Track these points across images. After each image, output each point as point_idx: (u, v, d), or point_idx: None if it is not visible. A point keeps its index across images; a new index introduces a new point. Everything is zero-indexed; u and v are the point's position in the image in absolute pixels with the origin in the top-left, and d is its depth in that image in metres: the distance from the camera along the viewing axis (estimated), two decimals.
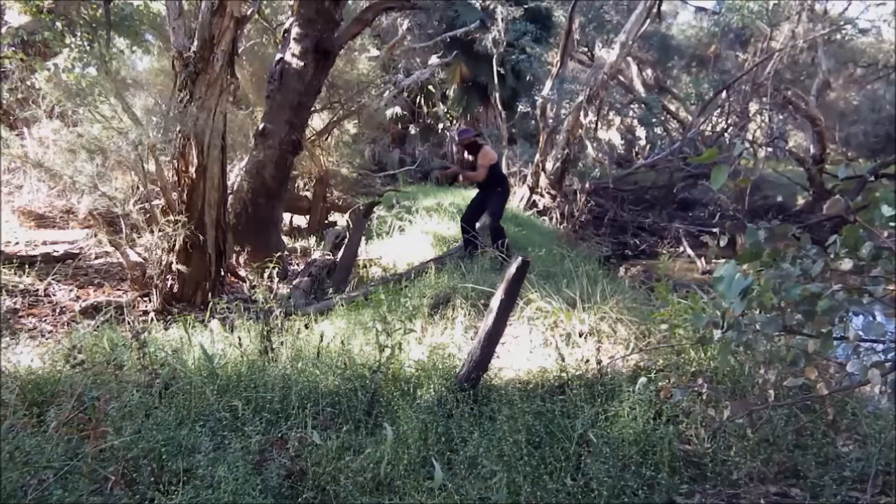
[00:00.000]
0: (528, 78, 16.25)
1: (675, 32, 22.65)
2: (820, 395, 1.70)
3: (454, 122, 15.80)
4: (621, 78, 17.57)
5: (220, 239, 5.18)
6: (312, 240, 8.27)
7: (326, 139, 9.67)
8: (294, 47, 6.84)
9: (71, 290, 5.23)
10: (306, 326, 3.82)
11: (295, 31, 6.87)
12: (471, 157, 6.23)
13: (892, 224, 1.34)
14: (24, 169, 5.73)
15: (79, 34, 7.70)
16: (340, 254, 6.30)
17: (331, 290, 5.36)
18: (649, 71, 20.90)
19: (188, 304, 4.98)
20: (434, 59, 13.60)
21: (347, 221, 8.30)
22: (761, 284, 1.46)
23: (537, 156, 11.50)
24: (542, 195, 11.42)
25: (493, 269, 5.22)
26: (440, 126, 15.48)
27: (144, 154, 4.79)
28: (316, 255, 6.92)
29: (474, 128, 13.98)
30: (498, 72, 13.40)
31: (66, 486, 2.02)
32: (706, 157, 1.55)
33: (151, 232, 4.93)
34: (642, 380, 2.30)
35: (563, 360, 3.07)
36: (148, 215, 5.18)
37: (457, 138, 6.41)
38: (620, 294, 4.03)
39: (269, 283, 5.47)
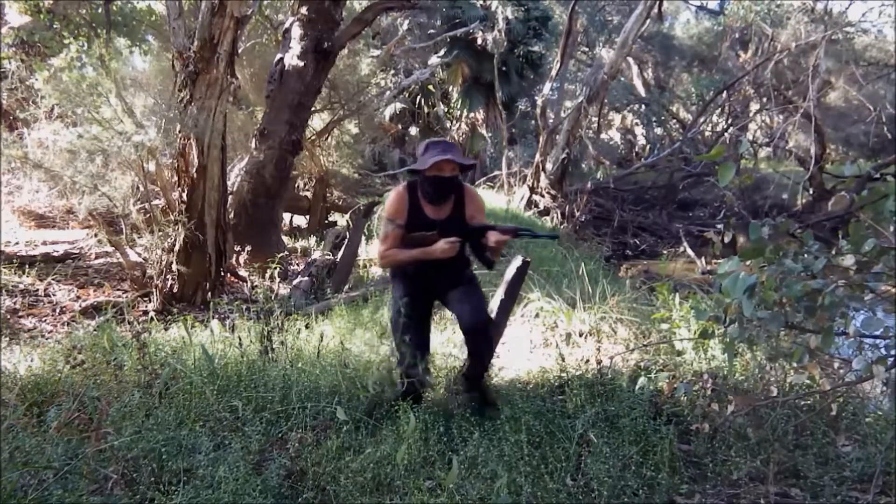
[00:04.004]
0: (531, 77, 16.23)
1: (679, 32, 22.63)
2: (822, 390, 1.70)
3: (454, 122, 15.71)
4: (622, 78, 17.58)
5: (220, 239, 5.18)
6: (312, 240, 8.26)
7: (326, 139, 9.68)
8: (294, 47, 6.85)
9: (71, 290, 5.23)
10: (306, 326, 3.81)
11: (295, 31, 6.88)
12: (431, 207, 2.70)
13: None
14: (24, 170, 5.73)
15: (75, 33, 7.68)
16: (340, 254, 6.30)
17: (330, 290, 5.36)
18: (650, 71, 20.92)
19: (188, 304, 4.97)
20: (434, 59, 13.57)
21: (347, 221, 8.30)
22: (763, 281, 1.45)
23: (537, 156, 11.49)
24: (542, 195, 11.40)
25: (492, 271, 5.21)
26: (439, 126, 15.45)
27: (144, 154, 4.79)
28: (316, 255, 6.91)
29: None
30: (502, 70, 13.36)
31: (66, 486, 2.02)
32: (714, 154, 1.56)
33: (151, 232, 4.93)
34: (642, 379, 2.29)
35: (563, 360, 3.07)
36: (148, 215, 5.18)
37: (448, 157, 2.58)
38: (621, 294, 4.03)
39: (269, 283, 5.46)
